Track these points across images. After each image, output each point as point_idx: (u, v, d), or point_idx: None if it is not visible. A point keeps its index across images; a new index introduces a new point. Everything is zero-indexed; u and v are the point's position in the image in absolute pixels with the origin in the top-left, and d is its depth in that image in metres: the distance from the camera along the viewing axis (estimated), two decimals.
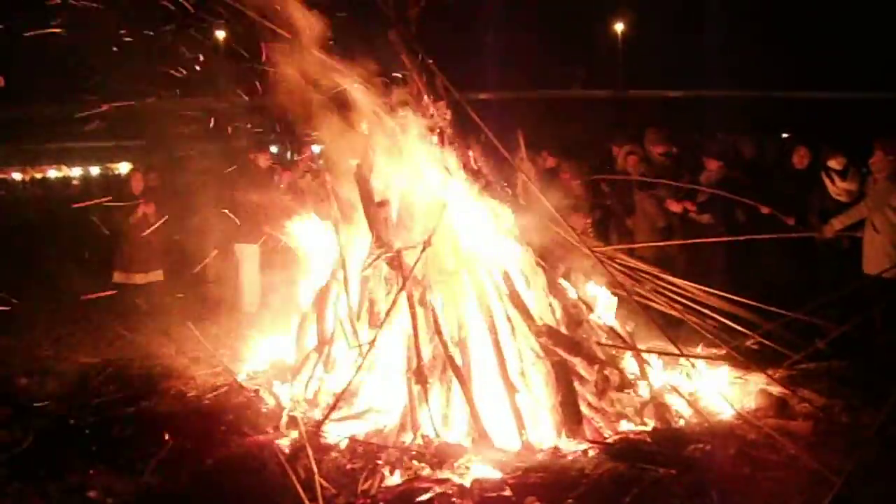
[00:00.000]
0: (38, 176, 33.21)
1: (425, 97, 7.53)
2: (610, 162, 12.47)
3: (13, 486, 6.15)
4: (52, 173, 33.11)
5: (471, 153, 7.66)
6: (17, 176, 33.58)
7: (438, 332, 7.00)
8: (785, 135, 14.24)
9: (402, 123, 7.51)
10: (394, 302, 6.92)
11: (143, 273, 11.95)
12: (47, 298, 12.10)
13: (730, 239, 9.81)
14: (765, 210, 9.97)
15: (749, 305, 8.65)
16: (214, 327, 10.59)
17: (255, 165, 12.09)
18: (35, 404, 7.94)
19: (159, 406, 7.82)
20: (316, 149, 11.78)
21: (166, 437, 6.84)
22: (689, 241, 10.06)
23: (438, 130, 7.54)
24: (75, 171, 33.60)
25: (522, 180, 7.77)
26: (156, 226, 11.72)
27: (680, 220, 11.35)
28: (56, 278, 12.50)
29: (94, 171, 31.60)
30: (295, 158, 14.89)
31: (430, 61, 7.47)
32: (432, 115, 7.51)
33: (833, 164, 10.27)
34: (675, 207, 11.16)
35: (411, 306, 6.98)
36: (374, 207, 7.34)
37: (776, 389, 7.51)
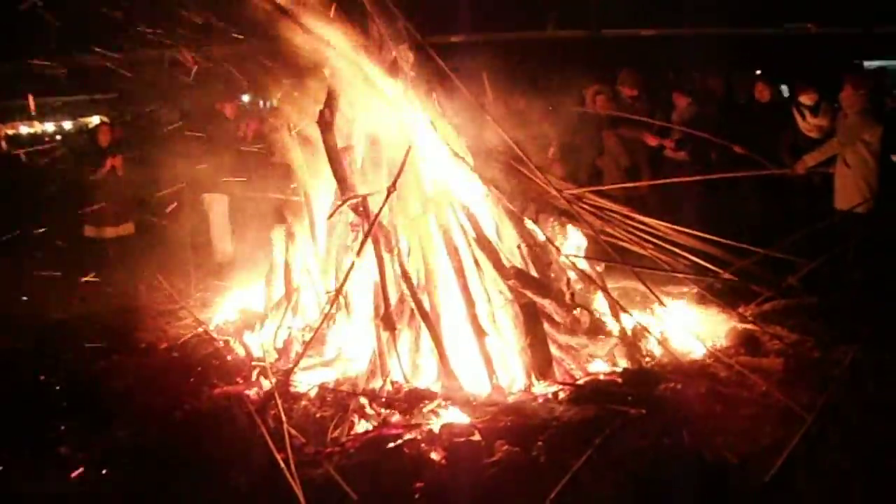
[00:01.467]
0: (10, 132, 32.73)
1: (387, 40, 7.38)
2: (580, 102, 12.35)
3: None
4: (24, 129, 32.61)
5: (434, 96, 7.54)
6: None
7: (406, 277, 6.95)
8: (758, 71, 14.14)
9: (365, 67, 7.38)
10: (360, 248, 6.85)
11: (113, 226, 11.82)
12: (18, 253, 11.95)
13: (701, 178, 9.75)
14: (737, 149, 9.91)
15: (720, 243, 8.62)
16: (184, 279, 10.51)
17: (222, 115, 11.93)
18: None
19: (130, 359, 7.79)
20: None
21: (136, 391, 6.81)
22: (661, 182, 10.01)
23: (402, 73, 7.41)
24: (48, 126, 33.13)
25: (491, 123, 7.66)
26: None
27: (647, 159, 11.31)
28: (26, 233, 12.38)
29: (67, 125, 31.12)
30: (268, 107, 14.70)
31: (392, 3, 7.31)
32: (395, 59, 7.37)
33: (804, 99, 10.22)
34: (651, 141, 11.11)
35: (378, 252, 6.91)
36: (338, 153, 7.23)
37: (747, 327, 7.52)
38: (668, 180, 9.94)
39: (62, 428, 6.33)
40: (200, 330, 8.30)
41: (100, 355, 7.94)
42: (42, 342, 8.53)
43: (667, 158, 11.21)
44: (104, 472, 5.70)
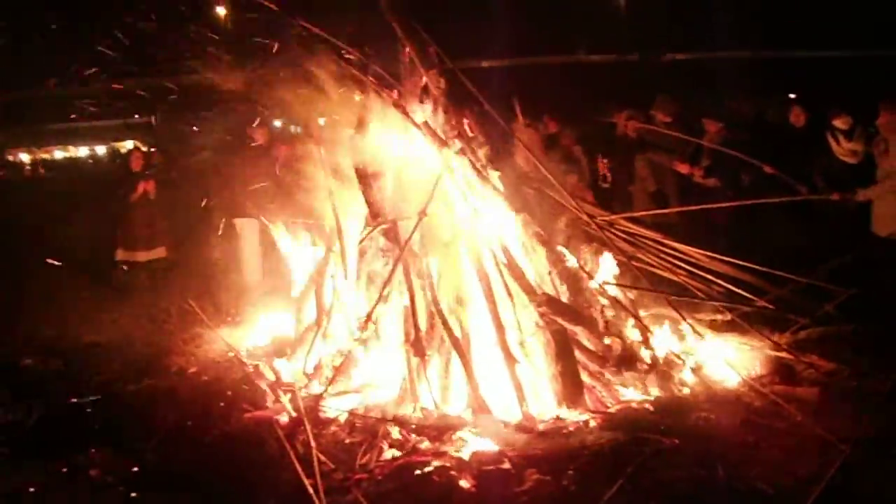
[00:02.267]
0: (45, 156, 33.27)
1: (418, 66, 7.40)
2: (611, 128, 12.33)
3: (16, 466, 6.14)
4: (59, 154, 33.14)
5: (465, 121, 7.54)
6: (24, 157, 33.65)
7: (436, 303, 6.93)
8: (792, 95, 14.06)
9: (395, 94, 7.41)
10: (391, 274, 6.84)
11: (145, 250, 11.93)
12: (51, 277, 12.06)
13: (735, 204, 9.65)
14: (768, 170, 9.83)
15: (754, 270, 8.51)
16: (215, 303, 10.55)
17: (252, 141, 12.01)
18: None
19: (160, 383, 7.83)
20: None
21: (167, 415, 6.82)
22: (693, 208, 9.91)
23: (433, 99, 7.42)
24: (82, 151, 33.63)
25: (521, 148, 7.65)
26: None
27: (675, 184, 11.24)
28: (60, 257, 12.53)
29: (101, 150, 31.58)
30: (299, 132, 14.80)
31: (422, 29, 7.34)
32: (426, 84, 7.40)
33: (839, 123, 10.12)
34: (682, 169, 11.05)
35: (408, 278, 6.90)
36: (369, 179, 7.25)
37: (782, 355, 7.41)
38: (700, 206, 9.85)
39: (93, 450, 6.30)
40: (231, 354, 8.32)
41: (131, 379, 7.97)
42: (74, 365, 8.58)
43: (697, 184, 11.13)
44: (134, 495, 5.66)
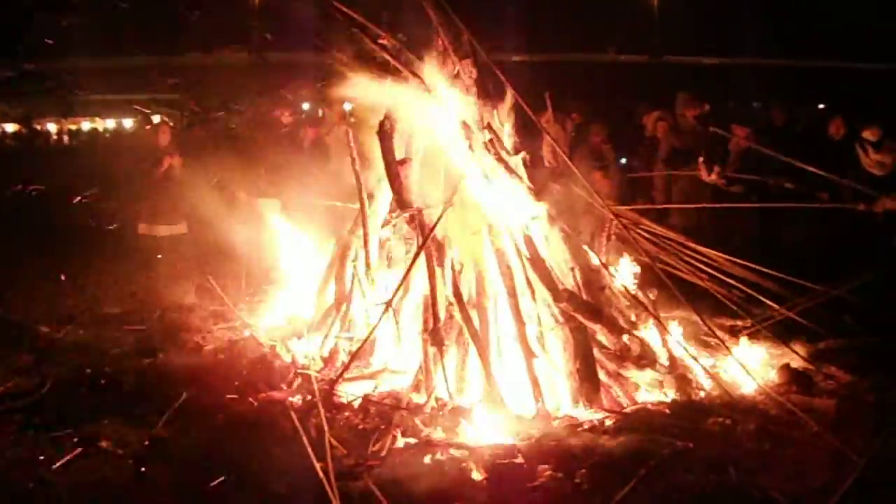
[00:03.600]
0: (73, 128, 33.33)
1: (451, 54, 7.36)
2: (639, 129, 12.29)
3: (27, 434, 6.17)
4: (86, 125, 33.20)
5: (495, 113, 7.49)
6: (51, 127, 33.74)
7: (457, 293, 6.90)
8: (821, 105, 13.96)
9: (426, 81, 7.36)
10: (412, 261, 6.82)
11: (166, 225, 11.92)
12: (72, 248, 12.12)
13: (755, 206, 9.60)
14: (788, 185, 9.77)
15: (777, 277, 8.45)
16: (235, 282, 10.56)
17: (278, 122, 12.01)
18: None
19: (175, 359, 7.86)
20: (348, 106, 11.70)
21: (180, 391, 6.82)
22: (717, 206, 9.86)
23: (464, 88, 7.38)
24: (109, 123, 33.67)
25: (548, 142, 7.60)
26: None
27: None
28: (81, 229, 12.58)
29: (128, 123, 31.61)
30: (323, 115, 14.82)
31: (457, 18, 7.29)
32: (457, 73, 7.35)
33: (868, 135, 10.02)
34: (703, 175, 10.99)
35: (430, 266, 6.88)
36: (395, 165, 7.23)
37: (801, 365, 7.36)
38: (710, 205, 9.81)
39: (104, 422, 6.31)
40: (248, 334, 8.32)
41: (146, 353, 8.01)
42: (91, 336, 8.61)
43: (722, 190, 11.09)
44: (143, 469, 5.66)
